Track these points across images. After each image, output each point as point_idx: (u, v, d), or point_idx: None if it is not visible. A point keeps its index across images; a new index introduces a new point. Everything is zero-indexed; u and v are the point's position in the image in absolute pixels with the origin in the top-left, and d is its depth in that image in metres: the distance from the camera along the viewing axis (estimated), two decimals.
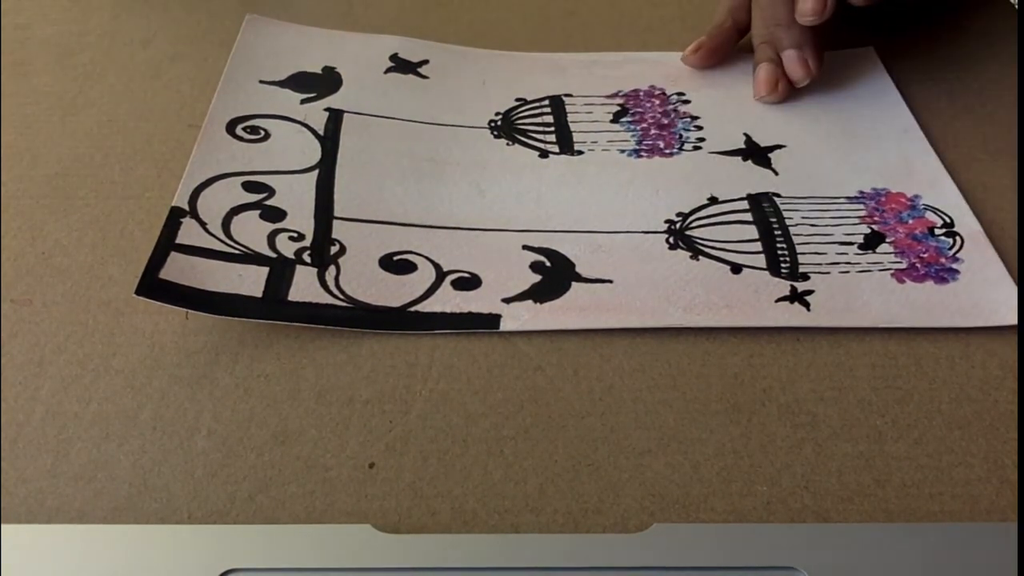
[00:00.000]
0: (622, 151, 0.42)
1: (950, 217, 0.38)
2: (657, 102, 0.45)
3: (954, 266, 0.36)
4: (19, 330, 0.33)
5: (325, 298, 0.34)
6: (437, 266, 0.36)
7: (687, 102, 0.45)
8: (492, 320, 0.34)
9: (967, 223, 0.38)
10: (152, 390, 0.31)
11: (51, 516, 0.28)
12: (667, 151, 0.42)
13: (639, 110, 0.45)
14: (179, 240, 0.35)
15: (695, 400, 0.31)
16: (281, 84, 0.45)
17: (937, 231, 0.37)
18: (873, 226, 0.38)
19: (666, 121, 0.44)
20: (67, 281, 0.35)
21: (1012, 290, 0.34)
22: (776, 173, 0.41)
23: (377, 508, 0.28)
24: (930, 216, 0.38)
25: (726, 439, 0.30)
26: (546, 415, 0.31)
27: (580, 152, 0.42)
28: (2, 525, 0.26)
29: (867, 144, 0.42)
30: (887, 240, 0.37)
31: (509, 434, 0.30)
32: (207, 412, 0.31)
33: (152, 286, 0.33)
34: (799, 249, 0.37)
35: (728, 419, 0.31)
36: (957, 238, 0.37)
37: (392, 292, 0.35)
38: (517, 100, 0.45)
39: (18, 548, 0.26)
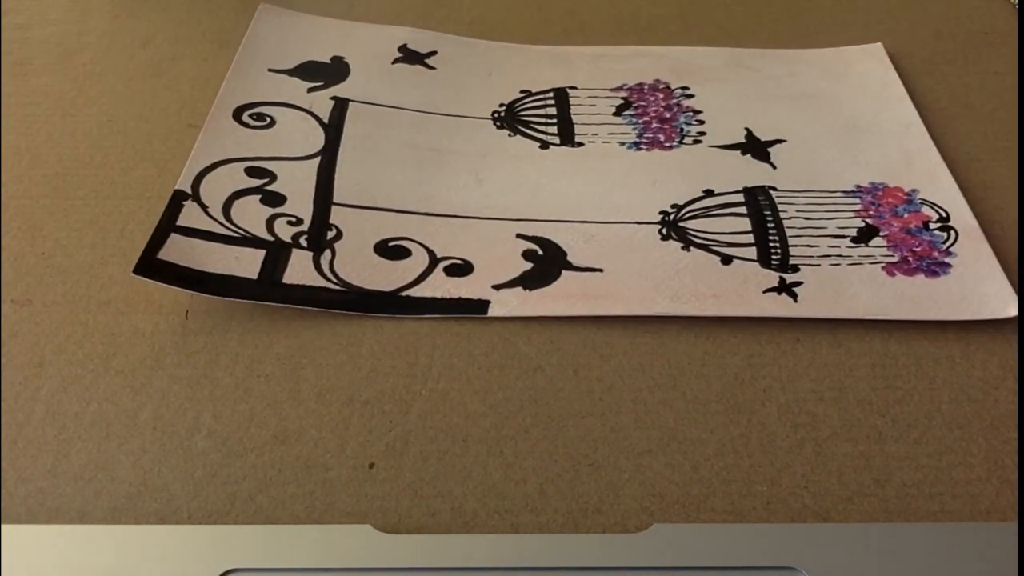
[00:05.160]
0: (622, 144, 0.42)
1: (946, 211, 0.38)
2: (661, 96, 0.45)
3: (946, 260, 0.36)
4: (19, 330, 0.33)
5: (319, 281, 0.34)
6: (431, 252, 0.36)
7: (691, 96, 0.45)
8: (481, 306, 0.34)
9: (963, 217, 0.38)
10: (152, 390, 0.31)
11: (51, 516, 0.28)
12: (667, 144, 0.42)
13: (642, 104, 0.45)
14: (180, 222, 0.36)
15: (695, 400, 0.31)
16: (289, 72, 0.46)
17: (932, 225, 0.37)
18: (867, 220, 0.38)
19: (668, 115, 0.44)
20: (67, 281, 0.35)
21: (1004, 284, 0.34)
22: (774, 167, 0.41)
23: (377, 508, 0.28)
24: (926, 210, 0.38)
25: (726, 439, 0.30)
26: (546, 415, 0.31)
27: (580, 144, 0.42)
28: (2, 525, 0.26)
29: (868, 139, 0.42)
30: (880, 234, 0.37)
31: (509, 434, 0.30)
32: (207, 412, 0.31)
33: (150, 266, 0.33)
34: (791, 241, 0.37)
35: (728, 419, 0.31)
36: (952, 232, 0.37)
37: (385, 277, 0.35)
38: (522, 92, 0.46)
39: (18, 548, 0.26)
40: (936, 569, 0.26)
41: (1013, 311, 0.33)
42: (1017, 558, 0.26)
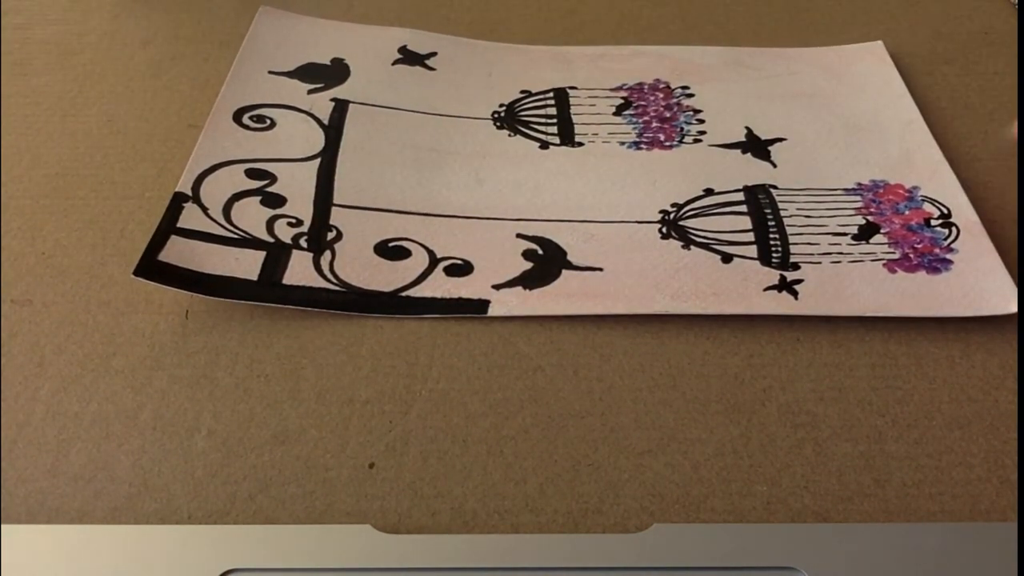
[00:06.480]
0: (622, 143, 0.42)
1: (947, 208, 0.38)
2: (661, 96, 0.45)
3: (948, 256, 0.36)
4: (19, 330, 0.33)
5: (319, 282, 0.34)
6: (431, 253, 0.36)
7: (691, 96, 0.45)
8: (481, 305, 0.34)
9: (964, 213, 0.38)
10: (152, 390, 0.31)
11: (51, 516, 0.28)
12: (667, 144, 0.42)
13: (642, 103, 0.45)
14: (180, 224, 0.36)
15: (695, 400, 0.31)
16: (289, 75, 0.46)
17: (933, 222, 0.37)
18: (868, 217, 0.38)
19: (668, 115, 0.44)
20: (67, 281, 0.35)
21: (1005, 280, 0.34)
22: (775, 166, 0.41)
23: (377, 508, 0.28)
24: (928, 207, 0.38)
25: (726, 439, 0.30)
26: (546, 415, 0.31)
27: (580, 144, 0.42)
28: (2, 525, 0.26)
29: (869, 137, 0.42)
30: (882, 231, 0.37)
31: (509, 434, 0.30)
32: (207, 412, 0.31)
33: (151, 268, 0.33)
34: (792, 239, 0.37)
35: (728, 419, 0.31)
36: (953, 228, 0.37)
37: (385, 277, 0.35)
38: (522, 92, 0.46)
39: (18, 548, 0.26)
40: (936, 569, 0.26)
41: (1014, 307, 0.33)
42: (1017, 558, 0.26)
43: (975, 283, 0.34)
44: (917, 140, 0.42)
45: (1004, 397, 0.31)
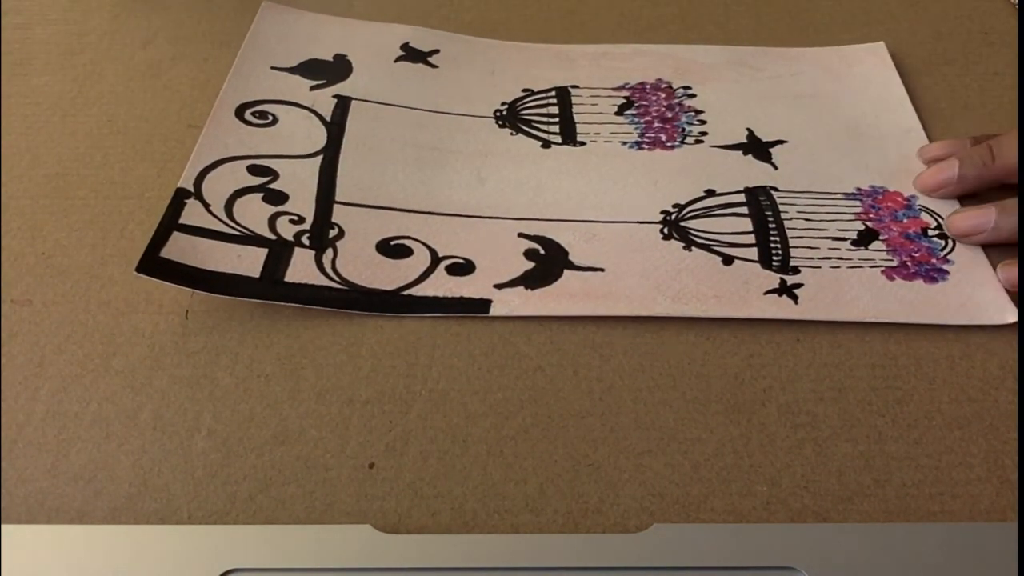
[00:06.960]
0: (624, 143, 0.42)
1: (943, 220, 0.38)
2: (663, 95, 0.45)
3: (944, 267, 0.36)
4: (19, 330, 0.33)
5: (321, 280, 0.34)
6: (433, 251, 0.36)
7: (693, 96, 0.45)
8: (483, 305, 0.34)
9: None
10: (152, 390, 0.31)
11: (51, 516, 0.28)
12: (668, 144, 0.42)
13: (644, 103, 0.45)
14: (182, 220, 0.36)
15: (695, 400, 0.31)
16: (292, 70, 0.46)
17: (930, 232, 0.37)
18: (868, 223, 0.38)
19: (670, 115, 0.44)
20: (67, 281, 0.35)
21: (999, 294, 0.35)
22: (775, 168, 0.41)
23: (377, 508, 0.28)
24: (925, 216, 0.38)
25: (726, 439, 0.30)
26: (546, 415, 0.31)
27: (582, 143, 0.42)
28: (2, 525, 0.26)
29: (869, 142, 0.42)
30: (880, 238, 0.37)
31: (509, 434, 0.30)
32: (207, 412, 0.31)
33: (153, 264, 0.33)
34: (792, 243, 0.37)
35: (728, 419, 0.31)
36: (948, 240, 0.37)
37: (387, 275, 0.35)
38: (524, 91, 0.46)
39: (18, 548, 0.26)
40: (936, 569, 0.26)
41: (1011, 318, 0.33)
42: (1017, 558, 0.26)
43: (971, 294, 0.35)
44: (916, 148, 0.42)
45: (1004, 397, 0.31)
